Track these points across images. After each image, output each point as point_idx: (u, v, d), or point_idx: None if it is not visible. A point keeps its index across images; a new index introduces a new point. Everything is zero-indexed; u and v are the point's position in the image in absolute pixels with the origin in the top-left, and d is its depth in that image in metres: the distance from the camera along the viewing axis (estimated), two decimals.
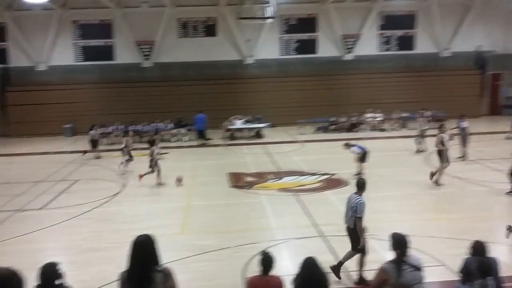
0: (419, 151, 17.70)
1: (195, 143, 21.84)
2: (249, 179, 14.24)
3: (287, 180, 13.93)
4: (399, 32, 27.59)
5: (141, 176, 13.78)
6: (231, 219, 10.47)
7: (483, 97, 28.03)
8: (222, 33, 26.70)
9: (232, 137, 22.67)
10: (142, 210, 11.44)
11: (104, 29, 26.32)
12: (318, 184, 13.38)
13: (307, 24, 27.10)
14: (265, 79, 26.83)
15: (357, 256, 7.14)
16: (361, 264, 7.10)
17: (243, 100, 25.85)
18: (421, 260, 4.90)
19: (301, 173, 14.71)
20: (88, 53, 26.41)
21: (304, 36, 27.21)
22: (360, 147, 13.99)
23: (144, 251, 3.99)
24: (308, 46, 27.32)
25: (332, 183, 13.45)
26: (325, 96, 26.25)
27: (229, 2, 25.30)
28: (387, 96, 26.32)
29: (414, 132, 18.91)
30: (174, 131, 23.12)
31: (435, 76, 26.99)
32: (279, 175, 14.66)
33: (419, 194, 12.00)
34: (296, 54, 27.31)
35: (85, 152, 18.91)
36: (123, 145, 16.04)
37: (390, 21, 27.39)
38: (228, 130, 22.90)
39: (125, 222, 10.40)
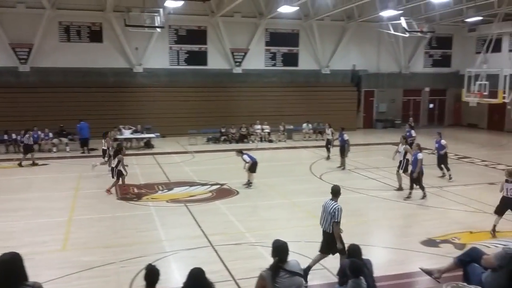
0: (328, 158, 18.91)
1: (78, 153, 20.62)
2: (138, 190, 13.82)
3: (178, 191, 13.79)
4: (284, 49, 29.02)
5: (108, 190, 13.28)
6: (118, 232, 10.06)
7: (359, 112, 30.57)
8: (108, 39, 25.69)
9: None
10: (18, 226, 10.47)
11: None
12: (208, 194, 13.45)
13: (197, 36, 27.27)
14: (155, 88, 26.36)
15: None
16: (315, 261, 7.49)
17: (132, 109, 25.08)
18: (300, 266, 5.09)
19: (192, 184, 14.67)
20: None
21: (194, 47, 27.32)
22: (250, 157, 14.38)
23: (10, 270, 3.70)
24: (198, 58, 27.46)
25: (223, 193, 13.62)
26: (215, 107, 26.57)
27: (115, 8, 24.47)
28: (274, 109, 27.44)
29: (298, 143, 19.87)
30: (55, 140, 21.58)
31: (317, 92, 28.85)
32: (169, 186, 14.45)
33: (304, 202, 12.65)
34: (186, 65, 27.28)
35: None
36: (104, 147, 16.46)
37: (276, 38, 28.68)
38: (116, 140, 22.00)
39: None
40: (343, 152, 17.19)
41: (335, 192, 7.60)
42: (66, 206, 12.07)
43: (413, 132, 18.42)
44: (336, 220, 7.22)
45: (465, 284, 4.29)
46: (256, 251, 8.86)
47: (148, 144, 22.54)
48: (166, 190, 13.92)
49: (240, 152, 14.73)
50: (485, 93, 19.83)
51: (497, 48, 26.22)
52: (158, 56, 26.62)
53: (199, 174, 16.13)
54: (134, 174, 16.26)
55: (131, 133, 22.57)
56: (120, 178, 13.44)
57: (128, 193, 13.42)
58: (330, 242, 7.37)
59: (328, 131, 19.43)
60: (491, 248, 8.36)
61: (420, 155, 12.74)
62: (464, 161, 18.48)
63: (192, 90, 26.67)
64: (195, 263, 5.31)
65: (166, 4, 21.27)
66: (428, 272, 5.50)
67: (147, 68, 26.56)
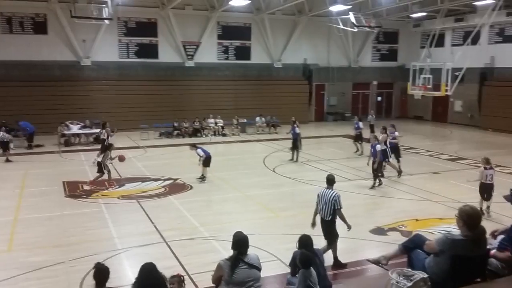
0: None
1: (23, 150, 19.77)
2: (88, 187, 13.44)
3: (129, 187, 13.54)
4: (237, 43, 28.99)
5: (92, 182, 13.46)
6: (67, 231, 9.75)
7: (310, 105, 31.09)
8: (53, 31, 24.66)
9: (67, 143, 21.09)
10: None
11: None
12: (161, 190, 13.29)
13: (147, 28, 26.70)
14: (104, 82, 25.62)
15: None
16: (335, 249, 7.73)
17: (80, 104, 24.24)
18: (259, 261, 5.17)
19: (144, 179, 14.44)
20: None
21: (145, 40, 26.74)
22: (204, 151, 14.32)
23: None
24: (149, 51, 26.92)
25: (176, 188, 13.50)
26: (168, 101, 26.18)
27: None
28: (227, 102, 27.42)
29: (252, 137, 19.95)
30: None
31: (270, 85, 29.06)
32: (120, 182, 14.15)
33: (257, 195, 12.78)
34: (136, 58, 26.68)
35: None
36: (103, 137, 16.94)
37: (228, 31, 28.59)
38: (63, 135, 21.27)
39: None
40: (296, 145, 17.44)
41: (330, 180, 7.96)
42: (12, 205, 11.58)
43: (361, 124, 18.95)
44: (338, 207, 7.66)
45: (409, 269, 4.48)
46: (210, 245, 8.87)
47: (97, 140, 21.87)
48: (117, 187, 13.62)
49: (194, 146, 14.66)
50: (429, 86, 20.67)
51: (440, 42, 27.35)
52: (107, 48, 25.85)
53: (152, 169, 15.90)
54: (83, 170, 15.83)
55: (79, 129, 21.86)
56: (107, 173, 13.53)
57: (77, 190, 13.04)
58: (327, 229, 7.76)
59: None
60: (435, 234, 8.78)
61: (378, 146, 13.31)
62: (410, 152, 19.22)
63: (143, 84, 26.14)
64: (147, 259, 5.26)
65: None
66: (375, 262, 5.71)
67: (95, 61, 25.75)
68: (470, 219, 4.35)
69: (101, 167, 13.51)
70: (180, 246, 8.72)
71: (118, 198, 12.40)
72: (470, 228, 4.33)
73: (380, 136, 14.48)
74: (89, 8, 21.80)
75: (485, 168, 10.69)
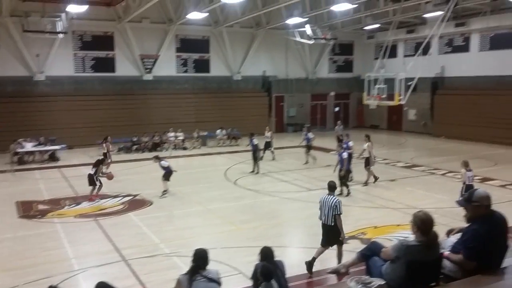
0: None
1: None
2: (42, 207, 12.96)
3: (86, 205, 13.16)
4: (195, 56, 28.95)
5: (91, 199, 13.54)
6: (20, 253, 9.34)
7: (270, 117, 31.34)
8: (5, 46, 23.79)
9: (20, 162, 20.31)
10: None
11: None
12: (120, 207, 12.99)
13: (104, 41, 26.27)
14: (59, 97, 24.89)
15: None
16: (340, 255, 7.83)
17: (34, 120, 23.48)
18: (219, 274, 5.14)
19: (102, 196, 14.06)
20: None
21: (101, 54, 26.28)
22: (166, 164, 14.26)
23: None
24: (105, 64, 26.45)
25: (135, 204, 13.23)
26: (126, 116, 25.75)
27: (12, 12, 22.82)
28: (187, 116, 27.26)
29: (213, 150, 19.87)
30: None
31: (230, 98, 29.14)
32: (77, 200, 13.73)
33: (219, 208, 12.72)
34: (92, 72, 26.14)
35: None
36: (104, 150, 17.54)
37: (186, 44, 28.53)
38: (16, 153, 20.47)
39: None
40: (255, 157, 17.52)
41: (332, 187, 8.25)
42: None
43: (310, 135, 19.37)
44: (338, 213, 7.85)
45: (367, 277, 4.57)
46: (171, 262, 8.74)
47: (53, 157, 21.22)
48: (73, 205, 13.21)
49: (157, 158, 14.51)
50: (383, 96, 21.31)
51: (393, 53, 28.34)
52: (61, 63, 25.21)
53: (110, 185, 15.45)
54: (38, 189, 15.29)
55: (34, 146, 21.12)
56: (95, 187, 13.69)
57: (32, 211, 12.56)
58: (330, 235, 7.95)
59: (268, 134, 20.34)
60: (393, 241, 8.99)
61: (345, 154, 13.62)
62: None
63: (100, 98, 25.62)
64: (106, 279, 5.12)
65: (68, 9, 20.27)
66: (335, 271, 5.80)
67: (50, 76, 25.03)
68: (423, 224, 4.48)
69: (93, 180, 13.63)
70: (140, 264, 8.53)
71: (75, 217, 12.02)
72: (424, 233, 4.46)
73: (366, 144, 15.06)
74: (42, 22, 21.28)
75: (467, 171, 11.27)
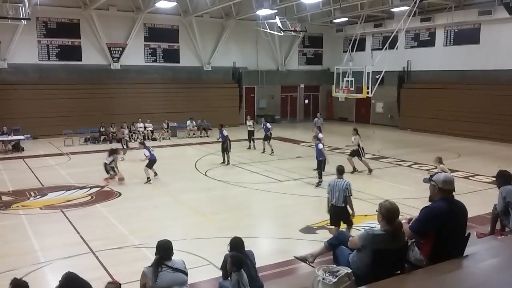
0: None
1: None
2: (6, 198, 12.61)
3: (53, 196, 12.86)
4: (164, 45, 28.55)
5: (106, 180, 14.11)
6: None
7: (241, 108, 31.34)
8: None
9: None
10: None
11: None
12: (87, 198, 12.77)
13: (69, 29, 25.55)
14: (23, 85, 24.12)
15: None
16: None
17: None
18: (185, 265, 5.17)
19: (69, 188, 13.78)
20: None
21: (66, 41, 25.57)
22: (150, 153, 14.48)
23: None
24: (71, 52, 25.76)
25: (103, 195, 13.03)
26: (93, 105, 25.21)
27: None
28: (156, 106, 26.94)
29: (182, 141, 19.76)
30: None
31: (200, 88, 28.93)
32: (42, 191, 13.42)
33: (189, 199, 12.67)
34: (58, 60, 25.43)
35: None
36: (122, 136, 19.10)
37: (155, 33, 28.09)
38: None
39: None
40: (225, 148, 17.52)
41: (340, 171, 9.00)
42: None
43: (268, 125, 19.74)
44: (349, 194, 8.54)
45: (334, 265, 4.69)
46: (140, 253, 8.67)
47: (17, 147, 20.60)
48: (39, 196, 12.91)
49: (143, 144, 15.20)
50: (352, 89, 21.61)
51: (361, 47, 28.74)
52: (25, 50, 24.41)
53: (77, 177, 15.22)
54: (1, 180, 14.85)
55: None
56: (110, 174, 14.14)
57: None
58: (340, 215, 8.67)
59: (250, 122, 20.87)
60: (360, 231, 9.21)
61: (320, 145, 13.94)
62: (336, 152, 19.98)
63: (66, 87, 24.98)
64: (73, 271, 5.05)
65: None
66: (302, 259, 5.91)
67: (12, 64, 24.22)
68: (388, 213, 4.64)
69: (107, 168, 14.17)
70: (108, 256, 8.44)
71: (40, 208, 11.74)
72: (388, 222, 4.62)
73: (353, 137, 15.66)
74: (4, 7, 20.47)
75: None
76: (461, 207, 4.85)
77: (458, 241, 4.83)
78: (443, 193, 4.77)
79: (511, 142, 21.94)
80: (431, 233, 4.70)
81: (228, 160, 17.48)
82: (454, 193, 4.87)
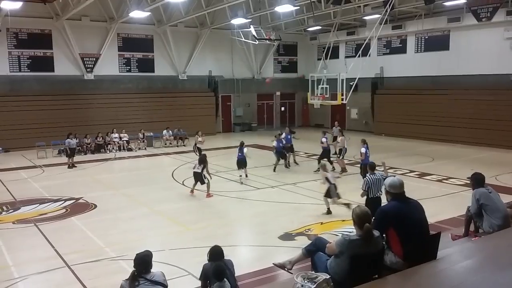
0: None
1: None
2: None
3: (25, 210, 12.56)
4: (139, 55, 28.35)
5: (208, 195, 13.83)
6: None
7: (217, 117, 31.30)
8: None
9: None
10: None
11: None
12: (62, 211, 12.51)
13: (41, 40, 25.11)
14: None
15: None
16: None
17: None
18: (165, 277, 5.11)
19: (42, 201, 13.49)
20: None
21: (38, 52, 25.13)
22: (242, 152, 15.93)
23: None
24: (43, 63, 25.31)
25: (78, 208, 12.79)
26: (67, 117, 24.78)
27: None
28: (131, 116, 26.67)
29: (159, 151, 19.58)
30: None
31: (176, 98, 28.80)
32: (14, 205, 13.09)
33: (166, 209, 12.55)
34: (29, 71, 24.94)
35: None
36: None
37: (129, 43, 27.86)
38: None
39: None
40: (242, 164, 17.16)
41: (372, 167, 10.20)
42: None
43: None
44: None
45: (313, 272, 4.72)
46: (117, 266, 8.54)
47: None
48: (11, 211, 12.59)
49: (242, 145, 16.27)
50: (327, 96, 21.87)
51: (335, 54, 29.12)
52: None
53: (51, 189, 14.91)
54: None
55: None
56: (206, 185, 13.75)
57: None
58: (376, 205, 8.86)
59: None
60: (338, 236, 9.30)
61: (362, 149, 15.24)
62: (313, 159, 20.13)
63: (38, 99, 24.51)
64: (48, 287, 4.96)
65: (2, 5, 19.24)
66: (281, 266, 5.92)
67: None
68: (358, 219, 4.74)
69: (201, 178, 13.61)
70: (84, 269, 8.28)
71: (13, 223, 11.45)
72: (360, 227, 4.70)
73: (339, 138, 18.03)
74: None
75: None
76: (414, 203, 5.14)
77: (422, 235, 4.99)
78: (392, 195, 5.16)
79: (482, 145, 22.53)
80: (392, 230, 4.91)
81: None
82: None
